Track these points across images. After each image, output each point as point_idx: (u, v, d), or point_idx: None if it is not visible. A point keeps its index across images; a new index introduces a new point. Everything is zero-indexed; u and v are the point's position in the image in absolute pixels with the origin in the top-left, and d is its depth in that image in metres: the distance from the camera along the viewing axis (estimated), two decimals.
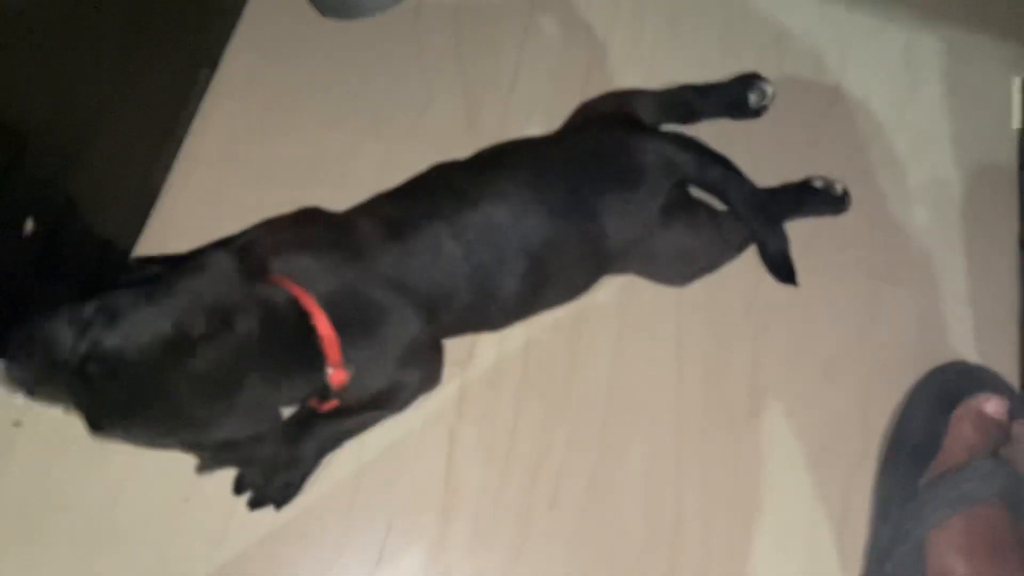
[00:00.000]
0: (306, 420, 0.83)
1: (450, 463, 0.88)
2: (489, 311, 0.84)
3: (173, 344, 0.61)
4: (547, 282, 0.85)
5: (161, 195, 0.93)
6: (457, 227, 0.79)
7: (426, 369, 0.86)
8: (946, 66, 1.14)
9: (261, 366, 0.66)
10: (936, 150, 1.09)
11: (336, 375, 0.73)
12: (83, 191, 0.79)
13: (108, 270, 0.87)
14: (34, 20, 0.66)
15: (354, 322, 0.74)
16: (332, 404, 0.78)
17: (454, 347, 0.91)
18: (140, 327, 0.61)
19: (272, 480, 0.83)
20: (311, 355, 0.71)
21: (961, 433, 0.87)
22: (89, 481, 0.84)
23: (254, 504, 0.83)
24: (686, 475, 0.90)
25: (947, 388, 0.91)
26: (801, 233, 1.01)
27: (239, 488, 0.84)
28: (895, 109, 1.10)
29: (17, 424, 0.84)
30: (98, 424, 0.62)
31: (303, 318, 0.70)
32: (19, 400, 0.83)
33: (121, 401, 0.62)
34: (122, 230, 0.90)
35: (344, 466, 0.87)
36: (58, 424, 0.84)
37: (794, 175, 1.04)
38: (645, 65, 1.09)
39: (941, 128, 1.10)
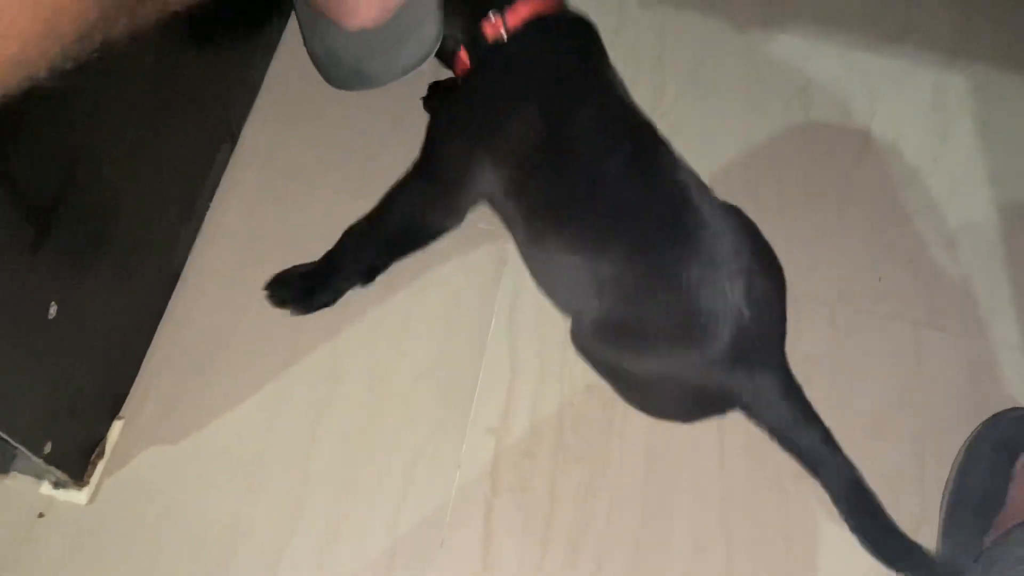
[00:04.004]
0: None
1: (487, 536, 0.84)
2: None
3: None
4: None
5: (184, 272, 0.92)
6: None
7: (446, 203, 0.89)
8: (976, 105, 1.12)
9: None
10: (973, 191, 1.06)
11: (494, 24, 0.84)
12: (106, 272, 0.78)
13: (131, 352, 0.86)
14: (64, 98, 0.65)
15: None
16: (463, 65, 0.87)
17: (487, 412, 0.89)
18: None
19: (305, 281, 0.89)
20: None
21: None
22: None
23: (273, 299, 0.89)
24: (735, 541, 0.86)
25: (1006, 437, 0.86)
26: (838, 282, 0.99)
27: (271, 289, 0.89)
28: (928, 152, 1.08)
29: (41, 516, 0.82)
30: None
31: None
32: (44, 490, 0.81)
33: None
34: (146, 308, 0.88)
35: (378, 542, 0.83)
36: (81, 516, 0.82)
37: (827, 225, 1.01)
38: (668, 119, 1.07)
39: (976, 168, 1.08)
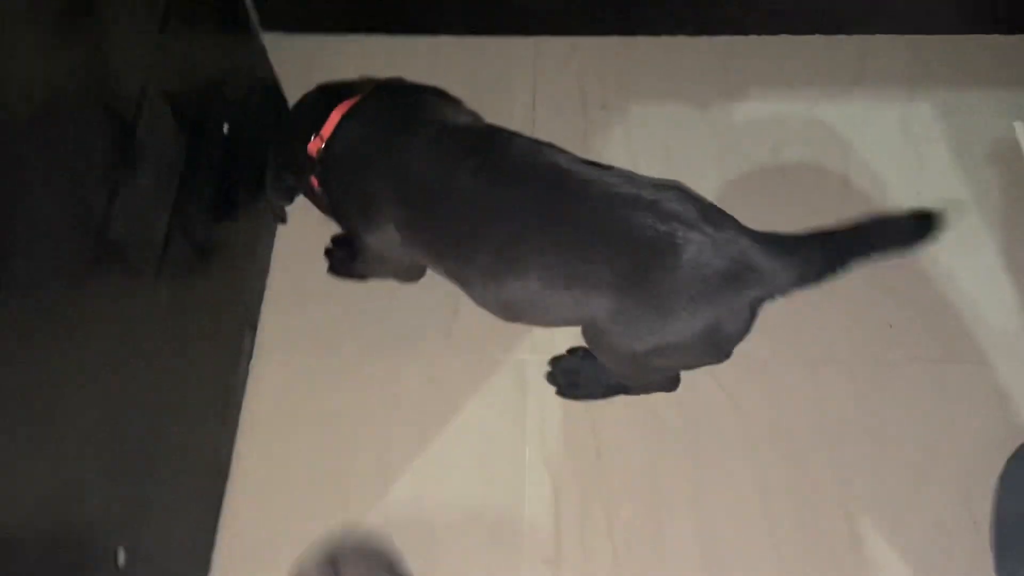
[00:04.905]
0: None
1: None
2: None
3: None
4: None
5: (231, 471, 0.97)
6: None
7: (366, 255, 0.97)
8: (944, 130, 1.14)
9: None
10: (961, 214, 1.08)
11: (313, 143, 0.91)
12: (162, 506, 0.81)
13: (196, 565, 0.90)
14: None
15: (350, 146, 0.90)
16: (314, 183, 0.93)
17: (539, 543, 0.91)
18: None
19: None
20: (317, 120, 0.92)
21: None
22: None
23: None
24: None
25: None
26: (849, 338, 1.01)
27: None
28: (908, 184, 1.11)
29: None
30: None
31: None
32: None
33: None
34: (201, 523, 0.92)
35: None
36: None
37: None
38: None
39: (959, 191, 1.10)
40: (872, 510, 0.92)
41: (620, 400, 0.98)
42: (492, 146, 0.85)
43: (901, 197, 1.10)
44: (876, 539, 0.90)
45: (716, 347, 0.84)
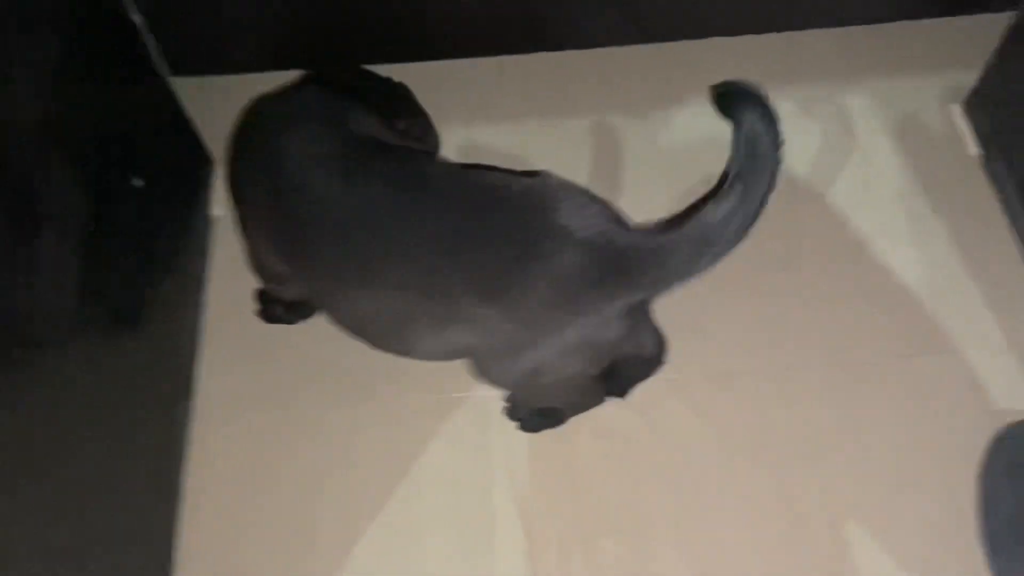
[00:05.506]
0: None
1: None
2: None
3: None
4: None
5: (178, 555, 0.88)
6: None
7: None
8: (885, 119, 1.13)
9: None
10: (911, 204, 1.07)
11: None
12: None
13: None
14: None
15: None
16: None
17: None
18: None
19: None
20: None
21: None
22: None
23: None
24: None
25: (1014, 456, 0.86)
26: (819, 342, 0.98)
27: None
28: (855, 177, 1.09)
29: None
30: None
31: None
32: None
33: None
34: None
35: None
36: None
37: (783, 290, 1.01)
38: None
39: (905, 178, 1.08)
40: (857, 514, 0.88)
41: (590, 430, 0.94)
42: (355, 151, 0.78)
43: (849, 191, 1.08)
44: (863, 544, 0.87)
45: (598, 357, 0.77)
